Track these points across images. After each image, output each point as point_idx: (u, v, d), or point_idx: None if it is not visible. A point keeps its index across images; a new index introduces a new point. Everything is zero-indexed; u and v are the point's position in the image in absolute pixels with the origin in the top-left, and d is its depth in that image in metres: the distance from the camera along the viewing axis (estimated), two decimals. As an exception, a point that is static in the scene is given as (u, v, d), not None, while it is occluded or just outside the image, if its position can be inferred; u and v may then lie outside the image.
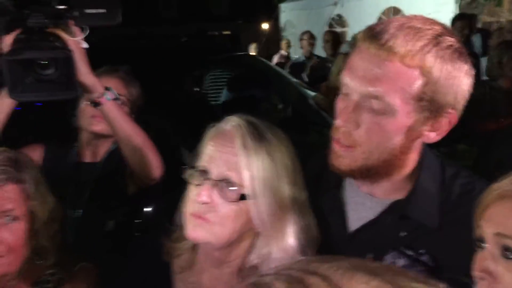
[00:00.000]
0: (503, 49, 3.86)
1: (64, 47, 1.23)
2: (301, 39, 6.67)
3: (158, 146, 1.66)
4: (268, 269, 0.43)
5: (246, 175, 1.08)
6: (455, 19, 5.16)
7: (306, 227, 1.13)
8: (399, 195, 1.13)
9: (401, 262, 1.09)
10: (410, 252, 1.09)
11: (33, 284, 1.34)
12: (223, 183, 1.09)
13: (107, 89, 1.49)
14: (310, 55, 6.48)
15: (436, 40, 1.01)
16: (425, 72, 1.00)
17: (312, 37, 6.64)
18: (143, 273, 1.23)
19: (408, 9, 8.18)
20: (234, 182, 1.08)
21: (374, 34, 1.02)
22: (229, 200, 1.08)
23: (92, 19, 1.25)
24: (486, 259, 0.92)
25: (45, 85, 1.20)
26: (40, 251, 1.33)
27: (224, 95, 4.51)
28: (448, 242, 1.08)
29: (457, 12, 7.34)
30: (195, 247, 1.20)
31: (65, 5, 1.24)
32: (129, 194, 1.83)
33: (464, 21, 5.07)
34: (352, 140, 1.06)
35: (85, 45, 1.32)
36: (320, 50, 6.88)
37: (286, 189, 1.11)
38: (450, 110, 1.05)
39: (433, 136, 1.08)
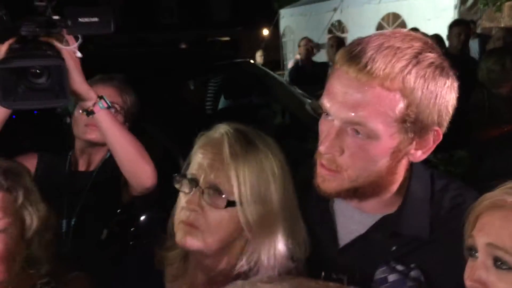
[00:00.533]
0: (504, 54, 3.79)
1: (57, 56, 1.24)
2: (299, 45, 6.70)
3: (154, 154, 1.66)
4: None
5: (234, 183, 1.09)
6: (452, 25, 5.17)
7: (295, 233, 1.14)
8: (388, 210, 1.13)
9: (392, 277, 1.08)
10: (400, 267, 1.08)
11: None
12: (212, 190, 1.10)
13: (100, 97, 1.50)
14: (308, 61, 6.49)
15: (416, 59, 1.00)
16: (406, 94, 0.99)
17: (310, 42, 6.66)
18: (136, 282, 1.23)
19: (408, 15, 8.20)
20: (222, 190, 1.09)
21: (352, 56, 1.00)
22: (218, 207, 1.09)
23: (85, 28, 1.26)
24: (478, 268, 0.92)
25: (37, 94, 1.21)
26: (33, 260, 1.32)
27: (221, 102, 4.52)
28: (439, 256, 1.07)
29: (457, 18, 7.35)
30: (187, 255, 1.21)
31: (58, 15, 1.25)
32: (123, 203, 1.83)
33: (460, 26, 5.07)
34: (337, 165, 1.06)
35: (79, 54, 1.34)
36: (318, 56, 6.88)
37: (274, 196, 1.12)
38: (435, 128, 1.04)
39: (419, 155, 1.07)
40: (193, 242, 1.10)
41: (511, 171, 1.08)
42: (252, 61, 5.29)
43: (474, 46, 6.31)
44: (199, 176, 1.11)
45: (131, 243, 1.89)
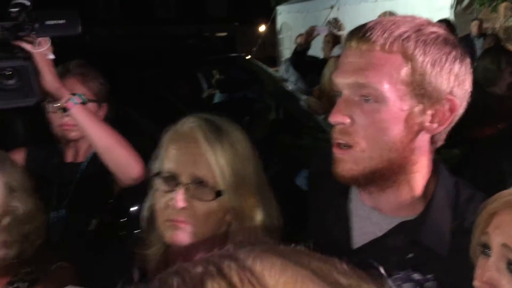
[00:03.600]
0: (500, 54, 3.82)
1: (25, 58, 1.31)
2: (296, 42, 6.68)
3: (144, 147, 1.65)
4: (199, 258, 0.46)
5: (216, 172, 1.09)
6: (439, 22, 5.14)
7: (270, 214, 1.15)
8: (407, 213, 1.07)
9: (407, 286, 1.03)
10: (417, 277, 1.03)
11: (8, 283, 1.33)
12: (196, 184, 1.09)
13: (73, 94, 1.55)
14: (308, 45, 6.44)
15: (417, 28, 1.00)
16: (408, 58, 0.98)
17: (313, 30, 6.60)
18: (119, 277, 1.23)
19: (404, 14, 8.19)
20: (207, 182, 1.09)
21: (354, 31, 1.04)
22: (205, 200, 1.09)
23: (53, 30, 1.32)
24: (489, 269, 0.88)
25: (7, 94, 1.28)
26: (17, 251, 1.32)
27: (217, 97, 4.51)
28: (457, 270, 1.01)
29: (453, 17, 7.37)
30: (167, 249, 1.19)
31: (26, 18, 1.30)
32: (114, 194, 1.82)
33: (446, 24, 5.06)
34: (350, 137, 1.02)
35: (51, 56, 1.40)
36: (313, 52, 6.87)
37: (251, 177, 1.13)
38: (448, 97, 1.01)
39: (435, 127, 1.02)
40: (184, 237, 1.10)
41: (490, 179, 1.08)
42: (247, 57, 5.29)
43: (478, 44, 6.34)
44: (179, 172, 1.10)
45: (121, 233, 1.89)
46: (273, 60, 11.97)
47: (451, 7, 7.85)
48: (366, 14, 8.88)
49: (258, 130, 3.30)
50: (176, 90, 3.85)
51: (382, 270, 0.46)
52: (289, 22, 11.53)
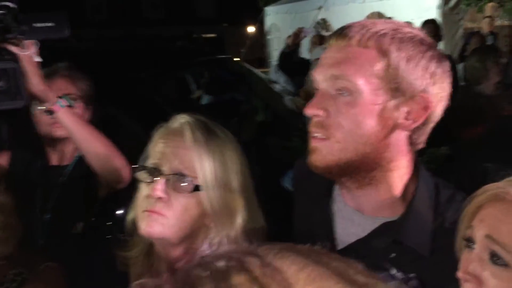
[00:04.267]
0: (486, 53, 3.87)
1: (12, 60, 1.31)
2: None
3: (131, 149, 1.64)
4: (213, 252, 0.46)
5: (198, 168, 1.11)
6: (425, 24, 5.13)
7: (253, 216, 1.16)
8: (388, 214, 1.09)
9: (390, 285, 1.05)
10: (400, 276, 1.04)
11: None
12: (176, 176, 1.11)
13: (60, 97, 1.55)
14: (296, 47, 6.47)
15: (395, 27, 1.04)
16: (382, 53, 1.01)
17: (301, 31, 6.62)
18: (105, 280, 1.23)
19: (392, 15, 8.25)
20: (187, 175, 1.11)
21: (335, 32, 1.09)
22: (183, 193, 1.11)
23: (41, 33, 1.32)
24: (473, 261, 0.89)
25: None
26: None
27: (204, 98, 4.51)
28: (440, 268, 1.03)
29: (440, 18, 7.43)
30: (149, 251, 1.21)
31: (12, 20, 1.30)
32: (100, 196, 1.82)
33: (433, 25, 5.08)
34: (325, 130, 1.04)
35: (37, 59, 1.40)
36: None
37: (235, 182, 1.15)
38: (422, 94, 1.02)
39: (409, 124, 1.04)
40: (158, 229, 1.11)
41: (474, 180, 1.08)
42: (236, 58, 5.29)
43: (489, 41, 6.42)
44: (162, 164, 1.12)
45: (107, 237, 1.88)
46: (262, 61, 11.98)
47: (438, 7, 7.91)
48: (354, 14, 8.92)
49: (246, 131, 3.30)
50: (164, 92, 3.84)
51: (394, 272, 0.48)
52: (277, 23, 11.55)
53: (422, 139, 1.09)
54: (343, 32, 1.04)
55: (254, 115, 3.72)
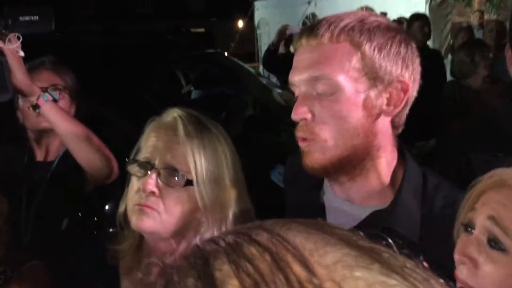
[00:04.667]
0: (474, 47, 3.90)
1: (0, 53, 1.31)
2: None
3: (116, 144, 1.64)
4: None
5: (191, 162, 1.11)
6: (413, 19, 5.13)
7: (244, 213, 1.16)
8: (377, 202, 1.11)
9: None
10: None
11: None
12: (168, 171, 1.11)
13: (44, 91, 1.55)
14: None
15: (360, 19, 1.05)
16: (356, 46, 1.03)
17: (286, 27, 6.61)
18: (91, 277, 1.22)
19: (381, 9, 8.27)
20: (179, 169, 1.11)
21: (303, 31, 1.09)
22: (175, 187, 1.11)
23: (26, 26, 1.31)
24: (470, 244, 0.90)
25: None
26: None
27: (193, 93, 4.49)
28: (428, 255, 1.05)
29: (428, 12, 7.46)
30: (139, 245, 1.20)
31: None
32: (86, 192, 1.80)
33: (422, 20, 5.09)
34: (312, 131, 1.05)
35: (21, 53, 1.39)
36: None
37: (227, 177, 1.15)
38: (399, 79, 1.05)
39: (392, 109, 1.06)
40: (150, 223, 1.10)
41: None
42: (225, 53, 5.26)
43: (478, 35, 6.44)
44: (154, 158, 1.12)
45: (94, 232, 1.87)
46: (252, 56, 11.96)
47: (426, 2, 7.94)
48: (343, 9, 8.91)
49: (235, 126, 3.29)
50: (153, 87, 3.82)
51: (390, 240, 0.50)
52: (266, 18, 11.53)
53: (402, 122, 1.11)
54: (312, 31, 1.05)
55: (243, 110, 3.71)
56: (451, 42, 6.93)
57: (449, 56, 6.06)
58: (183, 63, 4.70)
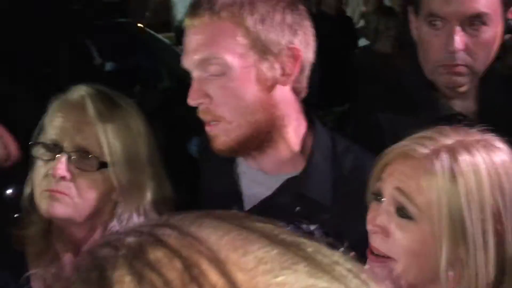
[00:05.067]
0: (382, 14, 4.03)
1: None
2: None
3: (24, 126, 1.53)
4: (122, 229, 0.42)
5: (104, 143, 1.06)
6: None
7: (162, 190, 1.14)
8: (290, 170, 1.13)
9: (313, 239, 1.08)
10: (305, 227, 1.09)
11: None
12: (80, 153, 1.06)
13: None
14: None
15: None
16: (238, 22, 1.02)
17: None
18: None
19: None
20: (92, 151, 1.06)
21: (187, 13, 1.08)
22: (88, 170, 1.06)
23: None
24: (380, 214, 0.93)
25: None
26: None
27: (107, 65, 4.31)
28: (341, 217, 1.08)
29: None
30: (48, 230, 1.15)
31: None
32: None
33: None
34: (213, 114, 1.05)
35: None
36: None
37: (142, 154, 1.12)
38: (289, 46, 1.04)
39: (286, 78, 1.06)
40: (62, 210, 1.06)
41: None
42: (138, 23, 5.07)
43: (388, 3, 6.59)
44: (62, 140, 1.06)
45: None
46: (167, 25, 11.63)
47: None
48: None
49: (150, 99, 3.21)
50: (61, 59, 3.61)
51: (311, 227, 0.48)
52: (181, -15, 11.23)
53: (303, 86, 1.12)
54: (193, 12, 1.04)
55: (158, 83, 3.63)
56: (363, 8, 7.11)
57: (361, 22, 6.23)
58: (93, 34, 4.48)
